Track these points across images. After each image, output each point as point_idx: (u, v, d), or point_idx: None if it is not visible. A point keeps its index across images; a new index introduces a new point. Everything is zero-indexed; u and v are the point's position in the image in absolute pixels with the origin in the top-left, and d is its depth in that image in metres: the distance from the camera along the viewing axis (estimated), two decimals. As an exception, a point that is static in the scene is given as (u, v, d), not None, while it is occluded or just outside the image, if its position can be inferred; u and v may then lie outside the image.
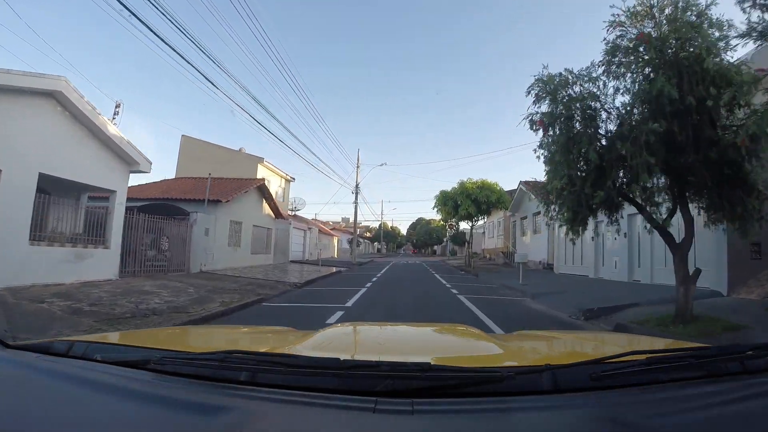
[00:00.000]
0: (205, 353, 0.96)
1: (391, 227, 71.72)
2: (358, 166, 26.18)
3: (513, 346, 1.34)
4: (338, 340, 1.44)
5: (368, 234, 64.21)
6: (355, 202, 26.14)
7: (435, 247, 58.87)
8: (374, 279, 10.60)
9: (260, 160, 20.96)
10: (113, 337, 1.42)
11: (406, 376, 0.81)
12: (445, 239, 57.47)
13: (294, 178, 26.56)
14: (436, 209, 20.52)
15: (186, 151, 18.67)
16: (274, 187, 24.37)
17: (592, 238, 7.93)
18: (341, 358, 0.86)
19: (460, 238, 44.87)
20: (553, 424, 0.76)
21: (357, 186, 25.93)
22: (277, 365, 0.87)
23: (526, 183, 18.01)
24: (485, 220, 21.21)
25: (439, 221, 22.43)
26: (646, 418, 0.75)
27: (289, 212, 25.12)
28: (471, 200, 18.18)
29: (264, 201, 15.39)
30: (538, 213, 15.84)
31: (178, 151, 18.85)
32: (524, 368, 0.91)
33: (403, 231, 77.24)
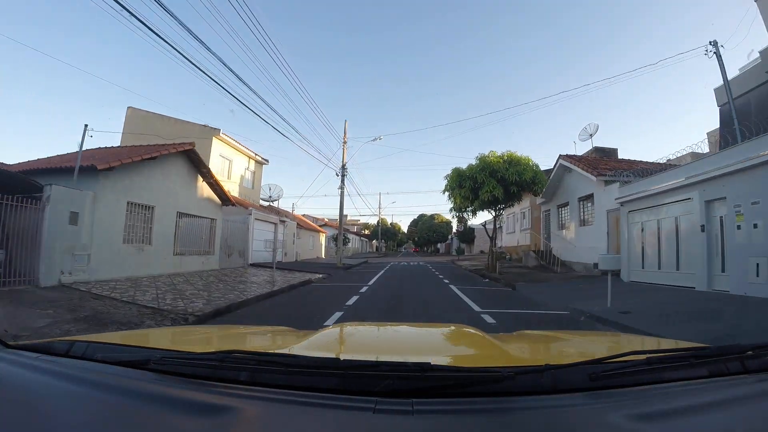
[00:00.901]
0: (205, 353, 0.95)
1: (390, 224, 71.74)
2: (345, 142, 21.86)
3: (513, 346, 1.33)
4: (338, 340, 1.43)
5: (366, 231, 66.06)
6: (342, 187, 21.42)
7: (438, 245, 60.65)
8: (354, 299, 7.47)
9: (215, 131, 17.57)
10: (113, 337, 1.44)
11: (406, 376, 0.80)
12: (450, 236, 56.53)
13: (267, 160, 24.89)
14: (447, 194, 16.08)
15: (131, 124, 16.65)
16: (239, 168, 21.40)
17: (702, 227, 7.35)
18: (341, 358, 0.87)
19: (468, 235, 42.70)
20: (553, 424, 0.74)
21: (344, 167, 21.51)
22: (277, 365, 0.86)
23: (569, 157, 15.03)
24: (515, 207, 18.09)
25: (450, 213, 19.96)
26: (645, 419, 0.73)
27: (263, 203, 22.24)
28: (496, 179, 14.02)
29: (200, 179, 12.00)
30: (589, 197, 13.58)
31: (123, 124, 17.00)
32: (524, 368, 0.88)
33: (404, 228, 78.41)
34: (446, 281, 11.24)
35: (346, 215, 68.64)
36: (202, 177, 11.46)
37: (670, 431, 0.71)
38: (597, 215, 12.02)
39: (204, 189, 11.70)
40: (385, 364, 0.83)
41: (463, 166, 14.61)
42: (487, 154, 14.07)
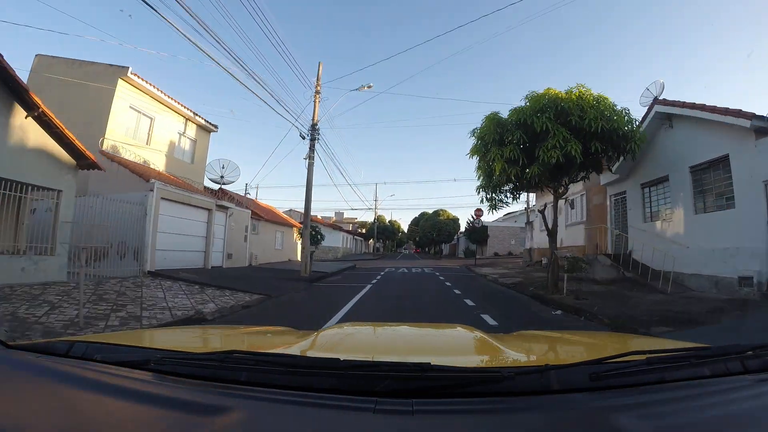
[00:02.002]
0: (205, 353, 0.99)
1: (389, 222, 68.84)
2: (317, 92, 15.50)
3: (513, 346, 1.36)
4: (338, 341, 1.48)
5: (362, 230, 63.37)
6: (310, 157, 15.07)
7: (442, 246, 56.52)
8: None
9: (121, 71, 13.22)
10: (113, 337, 1.58)
11: (406, 376, 0.83)
12: (457, 236, 52.92)
13: (216, 127, 19.36)
14: (475, 159, 10.10)
15: (39, 73, 13.38)
16: (167, 132, 15.59)
17: None
18: (341, 358, 0.89)
19: (480, 234, 36.51)
20: (553, 424, 0.76)
21: (314, 126, 14.90)
22: (277, 365, 0.89)
23: (675, 104, 10.13)
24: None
25: (478, 195, 10.94)
26: (646, 418, 0.74)
27: (213, 185, 17.22)
28: (567, 128, 8.55)
29: (24, 115, 7.97)
30: (718, 163, 9.02)
31: (28, 74, 13.64)
32: (524, 368, 0.92)
33: (404, 227, 76.28)
34: (486, 316, 6.91)
35: (342, 212, 63.36)
36: (28, 111, 7.89)
37: (671, 431, 0.73)
38: (742, 191, 8.40)
39: (32, 134, 8.21)
40: (385, 364, 0.87)
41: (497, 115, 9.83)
42: (541, 92, 9.35)
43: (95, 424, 0.73)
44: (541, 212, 11.02)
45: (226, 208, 16.48)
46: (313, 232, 17.30)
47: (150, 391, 0.81)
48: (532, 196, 23.50)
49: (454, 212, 56.00)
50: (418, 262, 31.57)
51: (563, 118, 8.71)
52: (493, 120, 9.47)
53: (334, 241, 40.03)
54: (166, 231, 12.30)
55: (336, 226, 45.63)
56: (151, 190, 11.44)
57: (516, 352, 1.32)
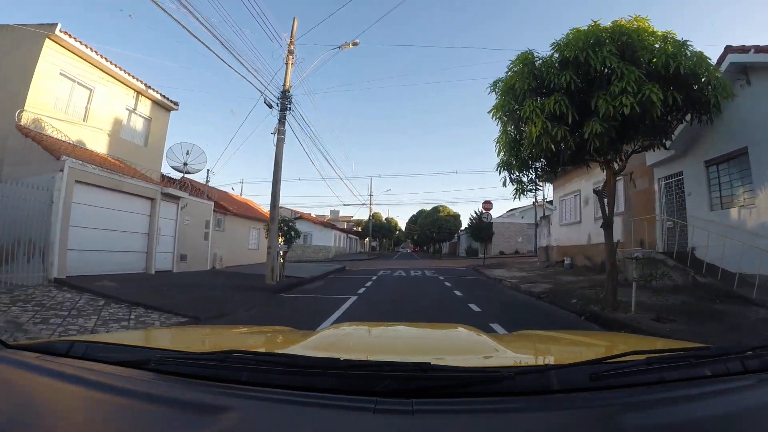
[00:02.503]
0: (205, 353, 1.00)
1: (386, 219, 68.65)
2: (290, 51, 12.35)
3: (513, 346, 1.38)
4: (338, 340, 1.47)
5: (358, 228, 62.25)
6: (280, 131, 11.81)
7: (440, 245, 54.13)
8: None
9: (49, 28, 10.45)
10: (113, 337, 1.68)
11: (406, 376, 0.83)
12: (457, 234, 50.16)
13: (176, 104, 15.68)
14: (497, 119, 6.69)
15: None
16: (112, 107, 12.60)
17: None
18: (341, 358, 0.90)
19: (484, 231, 32.70)
20: (553, 424, 0.75)
21: (285, 93, 11.86)
22: (277, 365, 0.89)
23: (743, 49, 7.85)
24: (579, 180, 13.09)
25: (500, 175, 7.33)
26: (646, 418, 0.74)
27: (175, 174, 14.79)
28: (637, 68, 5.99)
29: None
30: None
31: None
32: (524, 368, 0.93)
33: (401, 225, 74.55)
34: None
35: (338, 211, 61.03)
36: None
37: (671, 431, 0.74)
38: None
39: None
40: (385, 364, 0.89)
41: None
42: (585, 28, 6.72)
43: (95, 424, 0.74)
44: (599, 193, 7.92)
45: (177, 198, 13.61)
46: (285, 228, 14.26)
47: (150, 391, 0.83)
48: (548, 189, 21.30)
49: (454, 208, 54.33)
50: (417, 263, 29.47)
51: (629, 55, 6.27)
52: (526, 61, 6.75)
53: (324, 240, 38.21)
54: (85, 225, 9.88)
55: (327, 223, 44.18)
56: (61, 170, 8.92)
57: (516, 352, 1.34)
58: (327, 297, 9.69)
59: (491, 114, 7.24)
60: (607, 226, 7.59)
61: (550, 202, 36.11)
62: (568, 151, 6.52)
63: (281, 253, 12.56)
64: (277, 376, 0.82)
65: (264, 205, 27.91)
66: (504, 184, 7.62)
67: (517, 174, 7.59)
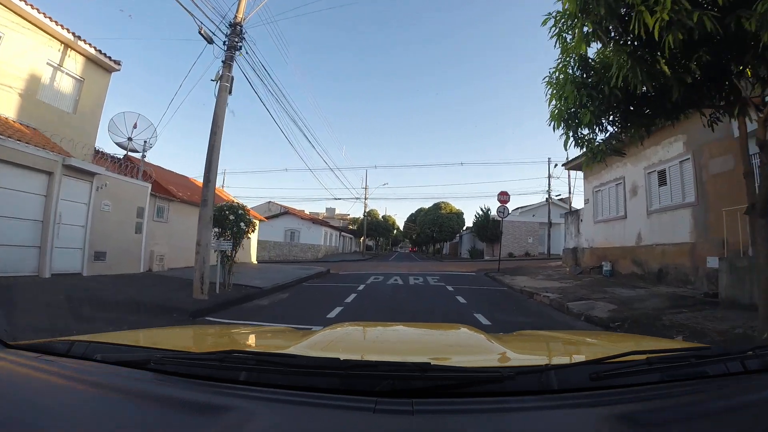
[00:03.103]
0: (205, 353, 1.01)
1: (383, 217, 65.03)
2: None
3: (513, 346, 1.41)
4: (338, 340, 1.52)
5: (353, 227, 59.03)
6: (224, 76, 8.20)
7: (441, 245, 53.91)
8: None
9: None
10: (113, 337, 1.50)
11: (406, 376, 0.85)
12: (460, 233, 47.26)
13: (119, 63, 12.70)
14: (555, 43, 4.18)
15: None
16: (32, 62, 9.88)
17: None
18: (341, 358, 0.92)
19: (490, 230, 30.25)
20: (553, 424, 0.76)
21: (236, 27, 8.00)
22: (277, 365, 0.90)
23: None
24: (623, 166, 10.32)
25: (555, 128, 4.40)
26: (646, 419, 0.75)
27: (119, 152, 12.45)
28: None
29: None
30: None
31: None
32: (524, 368, 0.94)
33: (399, 223, 71.88)
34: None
35: (334, 208, 58.44)
36: None
37: (671, 431, 0.77)
38: None
39: None
40: (386, 364, 0.91)
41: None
42: None
43: (95, 423, 0.75)
44: (763, 146, 4.31)
45: (91, 174, 10.13)
46: (232, 216, 9.11)
47: (150, 391, 0.84)
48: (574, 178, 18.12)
49: (457, 205, 51.10)
50: (417, 266, 24.64)
51: None
52: None
53: (313, 238, 35.16)
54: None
55: (317, 220, 41.32)
56: None
57: (516, 352, 1.38)
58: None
59: (554, 22, 4.33)
60: (757, 212, 4.35)
61: (563, 200, 33.52)
62: (697, 72, 3.83)
63: (228, 254, 8.67)
64: (276, 376, 0.83)
65: (253, 198, 22.51)
66: (565, 147, 6.00)
67: (590, 130, 4.90)
